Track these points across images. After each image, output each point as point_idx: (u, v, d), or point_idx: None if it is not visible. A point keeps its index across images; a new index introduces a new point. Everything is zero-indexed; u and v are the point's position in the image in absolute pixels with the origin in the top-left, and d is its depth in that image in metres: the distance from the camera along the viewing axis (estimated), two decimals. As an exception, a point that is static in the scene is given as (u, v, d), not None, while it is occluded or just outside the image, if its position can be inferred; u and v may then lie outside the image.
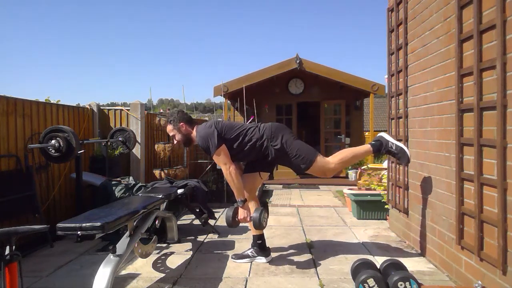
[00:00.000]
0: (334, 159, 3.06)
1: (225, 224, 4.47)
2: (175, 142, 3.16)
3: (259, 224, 2.84)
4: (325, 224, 4.50)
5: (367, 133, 10.36)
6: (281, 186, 7.90)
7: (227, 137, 2.94)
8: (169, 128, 3.14)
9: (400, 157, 3.02)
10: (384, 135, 3.10)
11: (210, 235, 3.97)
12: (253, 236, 3.20)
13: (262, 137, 2.97)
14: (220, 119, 10.81)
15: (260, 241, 3.16)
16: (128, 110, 5.50)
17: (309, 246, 3.56)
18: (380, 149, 3.06)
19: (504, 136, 2.10)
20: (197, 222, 4.36)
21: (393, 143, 3.03)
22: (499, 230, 2.11)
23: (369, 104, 8.61)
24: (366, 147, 3.14)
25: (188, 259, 3.24)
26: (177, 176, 5.34)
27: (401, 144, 3.02)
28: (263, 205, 3.09)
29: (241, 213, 2.91)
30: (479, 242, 2.33)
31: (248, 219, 2.91)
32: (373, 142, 3.11)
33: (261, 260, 3.13)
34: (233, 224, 2.95)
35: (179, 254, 3.37)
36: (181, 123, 3.08)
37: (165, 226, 3.63)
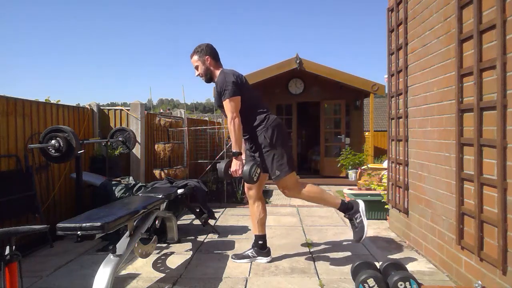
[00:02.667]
0: (305, 187, 3.07)
1: (225, 224, 4.50)
2: (196, 74, 3.12)
3: (249, 178, 2.80)
4: (325, 224, 4.50)
5: (367, 133, 10.35)
6: (281, 186, 7.88)
7: (243, 96, 2.93)
8: (194, 58, 3.09)
9: (355, 233, 3.02)
10: (361, 204, 3.07)
11: (210, 235, 3.97)
12: (255, 235, 3.20)
13: (263, 121, 2.98)
14: (218, 121, 10.81)
15: (261, 242, 3.16)
16: (128, 110, 5.50)
17: (309, 246, 3.56)
18: (346, 212, 3.08)
19: (504, 136, 2.10)
20: (197, 222, 4.36)
21: (360, 216, 3.02)
22: (499, 230, 2.11)
23: (369, 104, 8.61)
24: (337, 200, 3.12)
25: (188, 259, 3.24)
26: (177, 176, 5.34)
27: (365, 223, 3.00)
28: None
29: (234, 165, 2.90)
30: (479, 242, 2.33)
31: (240, 172, 2.89)
32: (346, 201, 3.10)
33: (261, 260, 3.13)
34: (225, 177, 2.95)
35: (179, 254, 3.37)
36: (207, 56, 3.05)
37: (165, 226, 3.63)
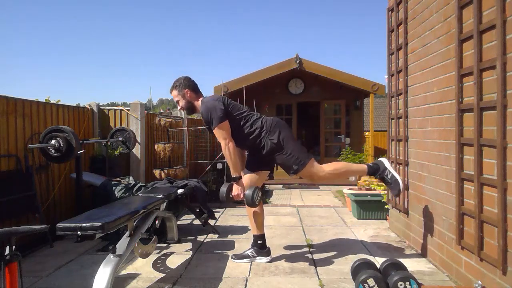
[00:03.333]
0: (327, 168, 3.05)
1: (225, 224, 4.50)
2: (178, 107, 3.16)
3: (252, 202, 2.82)
4: (325, 224, 4.50)
5: (367, 133, 10.35)
6: (281, 186, 7.89)
7: (231, 116, 2.94)
8: (174, 93, 3.11)
9: (393, 188, 3.01)
10: (385, 161, 3.08)
11: (210, 235, 3.96)
12: (254, 235, 3.20)
13: (262, 127, 2.97)
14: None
15: (260, 241, 3.16)
16: (128, 110, 5.50)
17: (309, 246, 3.56)
18: (375, 174, 3.05)
19: (504, 136, 2.10)
20: (197, 222, 4.36)
21: (390, 172, 3.01)
22: (499, 230, 2.11)
23: (369, 104, 8.61)
24: (363, 166, 3.12)
25: (188, 259, 3.24)
26: (177, 176, 5.34)
27: (397, 175, 3.00)
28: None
29: (235, 189, 2.94)
30: (479, 242, 2.33)
31: (242, 196, 2.92)
32: (370, 164, 3.10)
33: (261, 260, 3.13)
34: (227, 200, 2.98)
35: (179, 254, 3.37)
36: (186, 90, 3.06)
37: (165, 226, 3.63)
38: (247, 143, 3.03)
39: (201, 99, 3.09)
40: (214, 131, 2.92)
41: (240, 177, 2.97)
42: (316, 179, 3.06)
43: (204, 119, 3.00)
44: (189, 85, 3.09)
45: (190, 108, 3.12)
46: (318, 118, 9.46)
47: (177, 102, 3.14)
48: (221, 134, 2.89)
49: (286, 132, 3.02)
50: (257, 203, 2.88)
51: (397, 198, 3.86)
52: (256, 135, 2.96)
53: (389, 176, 3.00)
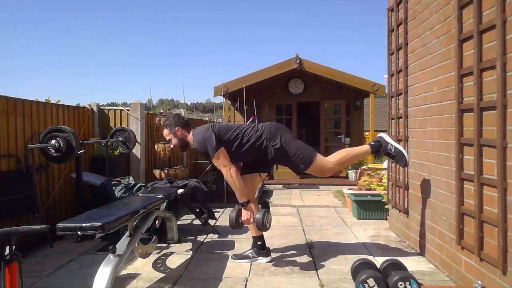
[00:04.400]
0: (333, 158, 3.05)
1: (225, 224, 4.49)
2: (171, 146, 3.15)
3: (262, 226, 2.81)
4: (325, 224, 4.50)
5: (367, 133, 10.36)
6: (281, 186, 7.90)
7: (225, 139, 2.92)
8: (165, 132, 3.12)
9: (398, 160, 3.02)
10: (384, 136, 3.10)
11: (210, 235, 3.97)
12: (253, 237, 3.20)
13: (261, 137, 2.96)
14: (218, 121, 10.78)
15: (260, 242, 3.16)
16: (128, 110, 5.50)
17: (309, 246, 3.56)
18: (379, 150, 3.06)
19: (504, 136, 2.10)
20: (197, 222, 4.36)
21: (392, 145, 3.03)
22: (499, 230, 2.11)
23: (369, 104, 8.61)
24: (365, 147, 3.14)
25: (188, 259, 3.24)
26: (177, 176, 5.34)
27: (399, 147, 3.03)
28: (264, 206, 3.08)
29: (245, 215, 2.89)
30: (479, 242, 2.33)
31: (252, 221, 2.88)
32: (372, 143, 3.11)
33: (262, 260, 3.13)
34: (237, 226, 2.92)
35: (179, 254, 3.37)
36: (177, 128, 3.05)
37: (165, 226, 3.63)
38: (249, 157, 3.04)
39: (191, 132, 3.07)
40: (213, 161, 2.91)
41: (248, 201, 2.91)
42: (326, 172, 3.04)
43: (202, 152, 2.98)
44: (179, 123, 3.07)
45: (184, 145, 3.11)
46: (318, 118, 9.45)
47: (170, 140, 3.12)
48: (220, 162, 2.87)
49: (287, 134, 3.02)
50: (268, 227, 2.88)
51: (397, 198, 3.86)
52: (258, 146, 2.96)
53: (392, 150, 3.02)
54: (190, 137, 3.07)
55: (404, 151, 3.00)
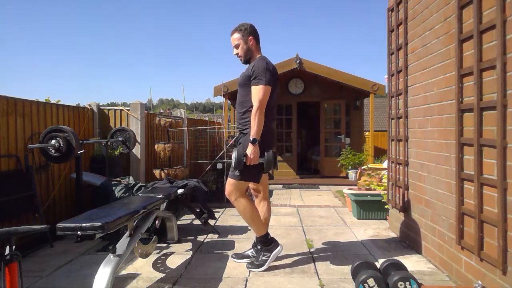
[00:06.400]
0: (242, 200, 2.91)
1: (225, 224, 4.50)
2: (234, 52, 2.95)
3: (274, 164, 2.83)
4: (325, 224, 4.50)
5: (367, 133, 10.35)
6: (281, 186, 7.90)
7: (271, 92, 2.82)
8: (235, 36, 2.91)
9: (252, 262, 2.99)
10: (278, 250, 3.01)
11: (210, 235, 3.96)
12: (257, 237, 3.15)
13: (272, 121, 2.95)
14: (218, 121, 10.77)
15: (265, 240, 3.04)
16: (128, 110, 5.50)
17: (309, 246, 3.56)
18: (258, 245, 3.02)
19: (504, 136, 2.10)
20: (197, 222, 4.36)
21: (267, 259, 2.96)
22: (499, 230, 2.11)
23: (369, 104, 8.61)
24: (261, 229, 3.01)
25: (188, 259, 3.24)
26: (177, 176, 5.34)
27: (265, 267, 2.93)
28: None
29: (253, 152, 2.71)
30: (479, 242, 2.33)
31: (257, 161, 2.75)
32: (268, 237, 3.04)
33: (276, 253, 3.04)
34: (238, 166, 2.76)
35: (179, 254, 3.37)
36: (250, 37, 2.89)
37: (165, 226, 3.63)
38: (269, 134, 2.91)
39: (260, 54, 2.93)
40: (256, 87, 2.73)
41: (259, 142, 2.74)
42: (227, 192, 2.93)
43: (250, 73, 2.79)
44: (254, 33, 2.92)
45: (247, 57, 2.92)
46: (318, 118, 9.45)
47: (236, 46, 2.92)
48: (261, 95, 2.70)
49: (268, 146, 2.87)
50: (276, 165, 2.86)
51: (397, 198, 3.86)
52: (269, 124, 2.87)
53: (263, 257, 2.95)
54: (256, 55, 2.92)
55: (261, 269, 2.91)
